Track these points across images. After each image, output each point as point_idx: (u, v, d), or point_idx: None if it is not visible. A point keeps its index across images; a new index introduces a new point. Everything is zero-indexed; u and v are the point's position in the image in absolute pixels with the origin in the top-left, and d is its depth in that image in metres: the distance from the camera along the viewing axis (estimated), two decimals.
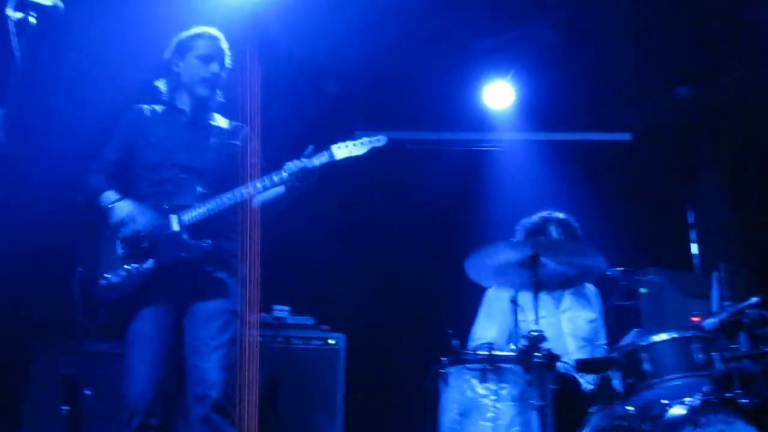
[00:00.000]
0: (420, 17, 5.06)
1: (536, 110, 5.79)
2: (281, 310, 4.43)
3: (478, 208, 5.52)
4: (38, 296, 4.38)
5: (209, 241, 3.16)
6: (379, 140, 3.32)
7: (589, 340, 4.02)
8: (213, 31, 3.48)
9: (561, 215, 4.11)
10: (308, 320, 4.49)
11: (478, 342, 4.00)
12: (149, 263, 3.15)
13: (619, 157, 5.88)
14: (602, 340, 4.07)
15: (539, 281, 3.30)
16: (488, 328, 4.04)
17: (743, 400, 3.08)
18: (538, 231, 4.04)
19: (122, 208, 3.21)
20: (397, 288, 5.68)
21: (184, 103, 3.44)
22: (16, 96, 2.51)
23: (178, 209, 3.19)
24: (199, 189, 3.21)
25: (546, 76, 5.51)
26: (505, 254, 3.31)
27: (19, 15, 2.55)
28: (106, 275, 3.16)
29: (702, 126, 5.74)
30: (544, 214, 4.13)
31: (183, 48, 3.43)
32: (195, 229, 3.17)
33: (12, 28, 2.52)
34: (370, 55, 5.24)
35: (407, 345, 5.16)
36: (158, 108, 3.48)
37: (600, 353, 3.95)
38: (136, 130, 3.40)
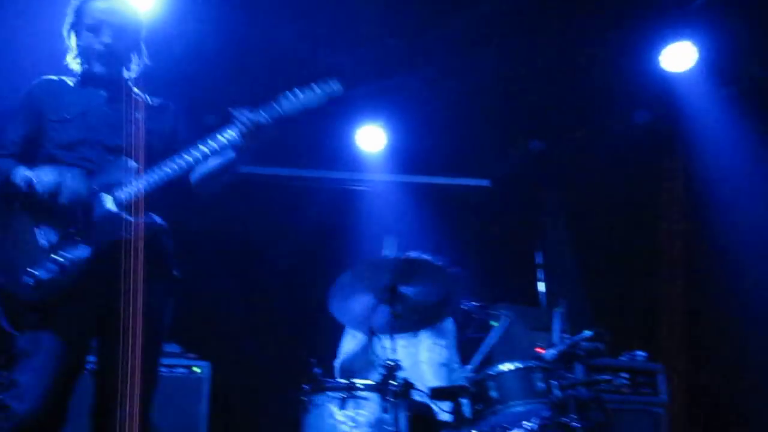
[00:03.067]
0: (299, 57, 5.23)
1: (405, 154, 6.12)
2: None
3: (347, 243, 5.72)
4: None
5: (149, 217, 2.76)
6: (335, 87, 2.93)
7: (446, 364, 4.27)
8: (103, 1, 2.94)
9: (426, 256, 4.33)
10: (174, 348, 4.45)
11: (340, 365, 4.18)
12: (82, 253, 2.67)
13: (478, 201, 6.32)
14: (456, 362, 4.33)
15: (399, 315, 3.48)
16: (352, 353, 4.21)
17: (576, 424, 3.38)
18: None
19: (46, 173, 2.68)
20: (265, 318, 5.74)
21: (93, 78, 2.95)
22: None
23: (113, 187, 2.73)
24: (132, 164, 2.77)
25: (415, 123, 5.86)
26: (365, 287, 3.48)
27: None
28: (31, 271, 2.61)
29: (551, 177, 6.28)
30: (411, 254, 4.33)
31: (74, 21, 2.95)
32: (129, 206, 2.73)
33: None
34: (248, 95, 5.33)
35: (273, 374, 5.21)
36: (70, 81, 2.98)
37: (457, 375, 4.20)
38: (46, 104, 2.89)
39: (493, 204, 6.31)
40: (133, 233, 2.70)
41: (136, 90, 3.02)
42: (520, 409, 3.44)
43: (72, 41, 2.97)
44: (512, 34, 5.16)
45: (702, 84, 5.48)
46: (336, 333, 4.29)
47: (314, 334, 4.72)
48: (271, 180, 6.21)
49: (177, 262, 2.98)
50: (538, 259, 5.67)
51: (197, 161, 2.80)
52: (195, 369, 4.40)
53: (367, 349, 4.09)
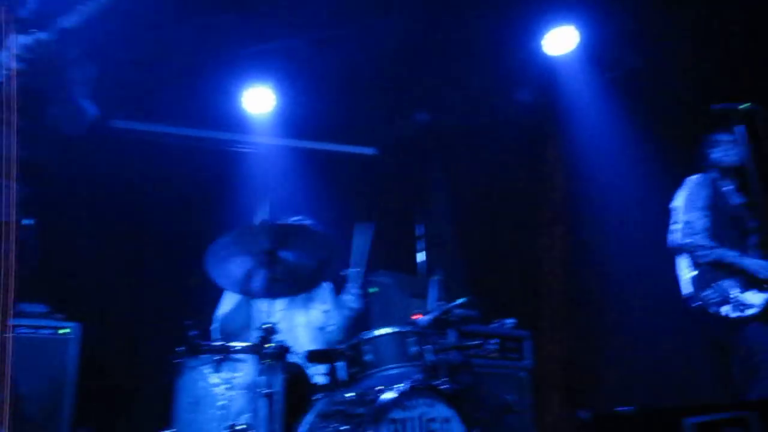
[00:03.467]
0: (189, 15, 5.07)
1: (293, 118, 6.06)
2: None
3: (229, 206, 5.61)
4: None
5: None
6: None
7: (323, 328, 4.33)
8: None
9: (308, 221, 4.35)
10: (40, 308, 4.25)
11: (219, 325, 4.15)
12: None
13: (363, 169, 6.37)
14: (333, 326, 4.40)
15: (278, 279, 3.48)
16: (230, 313, 4.18)
17: (446, 387, 3.52)
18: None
19: None
20: (140, 278, 5.59)
21: None
22: None
23: None
24: None
25: (304, 87, 5.81)
26: (243, 250, 3.44)
27: None
28: None
29: (435, 148, 6.44)
30: (293, 218, 4.35)
31: None
32: None
33: None
34: (133, 45, 5.12)
35: (146, 336, 5.10)
36: None
37: (332, 338, 4.28)
38: None
39: (378, 172, 6.39)
40: None
41: None
42: (393, 372, 3.54)
43: None
44: (404, 4, 5.20)
45: (581, 68, 5.75)
46: (213, 296, 4.23)
47: (190, 296, 4.62)
48: (153, 137, 6.00)
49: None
50: (420, 228, 5.82)
51: None
52: (62, 330, 4.23)
53: (244, 312, 4.08)
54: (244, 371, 3.32)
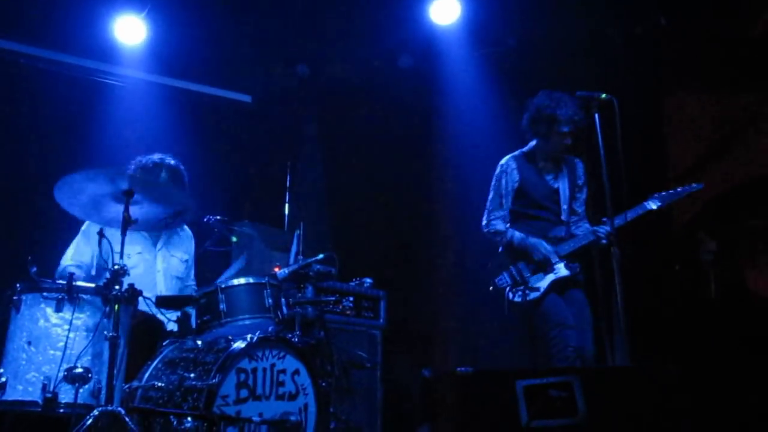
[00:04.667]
0: None
1: (165, 55, 5.78)
2: None
3: (89, 139, 5.32)
4: None
5: None
6: None
7: (182, 279, 4.24)
8: None
9: (172, 161, 4.21)
10: None
11: (68, 264, 3.96)
12: None
13: (236, 116, 6.22)
14: (192, 279, 4.33)
15: (132, 218, 3.33)
16: (83, 254, 4.01)
17: (295, 340, 3.58)
18: (149, 172, 4.09)
19: None
20: None
21: None
22: None
23: None
24: None
25: (181, 23, 5.55)
26: (99, 186, 3.28)
27: None
28: None
29: (311, 102, 6.39)
30: (156, 157, 4.19)
31: None
32: None
33: None
34: None
35: None
36: None
37: (190, 291, 4.18)
38: None
39: (251, 122, 6.25)
40: None
41: None
42: (246, 323, 3.54)
43: None
44: None
45: (462, 40, 5.87)
46: (60, 230, 4.01)
47: (36, 229, 4.36)
48: (12, 57, 5.53)
49: None
50: (288, 181, 5.78)
51: None
52: None
53: (96, 251, 3.91)
54: (88, 313, 3.19)
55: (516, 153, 4.51)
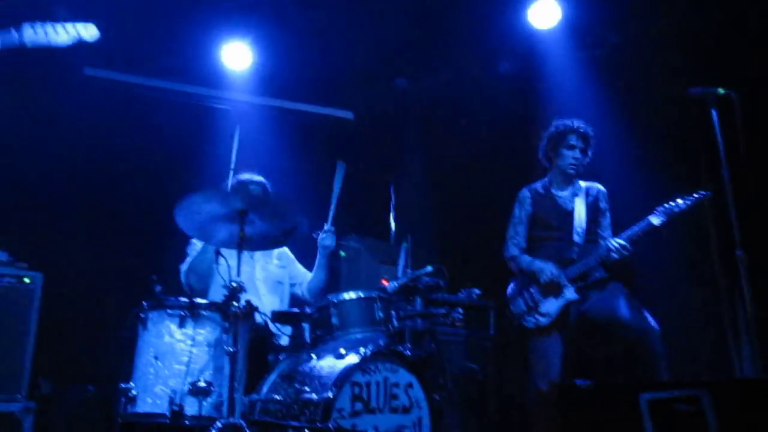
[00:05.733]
0: None
1: (271, 77, 5.97)
2: None
3: (201, 161, 5.55)
4: None
5: None
6: (88, 28, 2.83)
7: (282, 283, 4.40)
8: None
9: (260, 178, 4.36)
10: (2, 256, 4.19)
11: (184, 275, 4.16)
12: None
13: (339, 132, 6.32)
14: (297, 282, 4.47)
15: (246, 238, 3.46)
16: (201, 261, 4.17)
17: (408, 352, 3.56)
18: (240, 190, 4.25)
19: None
20: (107, 230, 5.50)
21: None
22: None
23: None
24: None
25: (284, 46, 5.71)
26: (215, 207, 3.42)
27: None
28: None
29: (412, 115, 6.40)
30: (245, 175, 4.35)
31: None
32: None
33: None
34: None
35: (111, 288, 5.05)
36: None
37: (291, 292, 4.40)
38: None
39: (354, 136, 6.34)
40: None
41: None
42: (359, 336, 3.57)
43: None
44: None
45: (564, 43, 5.72)
46: (181, 250, 4.20)
47: (158, 249, 4.58)
48: (128, 87, 5.88)
49: None
50: (392, 194, 5.81)
51: None
52: (25, 279, 4.18)
53: (208, 265, 4.07)
54: (209, 328, 3.33)
55: (532, 184, 4.54)
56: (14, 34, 2.67)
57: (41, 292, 4.23)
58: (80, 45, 5.24)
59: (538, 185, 4.52)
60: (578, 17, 5.53)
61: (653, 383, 3.16)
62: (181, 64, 5.84)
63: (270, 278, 4.34)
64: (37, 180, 5.21)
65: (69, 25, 2.77)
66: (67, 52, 5.36)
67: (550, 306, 4.14)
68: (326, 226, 4.27)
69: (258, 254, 4.33)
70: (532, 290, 4.23)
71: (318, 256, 4.34)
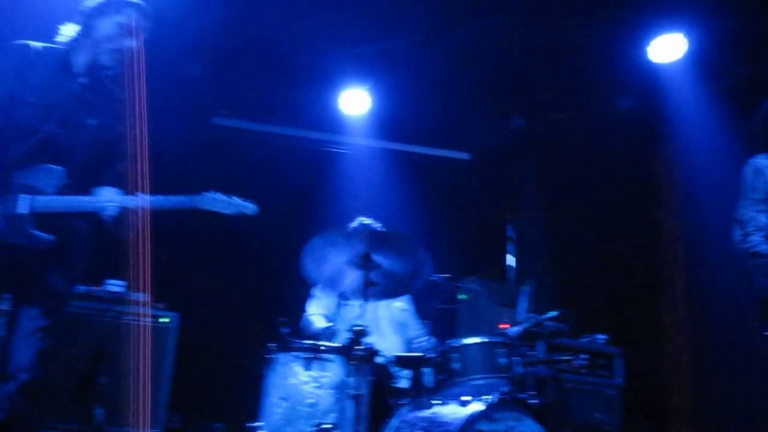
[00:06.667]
0: (291, 16, 5.20)
1: (388, 121, 6.10)
2: (115, 285, 4.35)
3: (323, 205, 5.72)
4: None
5: (52, 237, 2.92)
6: (251, 208, 3.23)
7: (404, 325, 4.44)
8: (147, 6, 3.18)
9: (377, 225, 4.38)
10: (142, 297, 4.44)
11: (312, 313, 4.27)
12: None
13: (455, 173, 6.34)
14: (413, 326, 4.48)
15: (372, 283, 3.50)
16: (325, 306, 4.33)
17: (534, 401, 3.45)
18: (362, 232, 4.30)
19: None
20: (236, 274, 5.74)
21: (80, 62, 3.09)
22: None
23: (34, 192, 2.92)
24: (64, 179, 2.96)
25: (400, 90, 5.83)
26: (339, 252, 3.50)
27: None
28: None
29: (529, 154, 6.32)
30: (366, 220, 4.41)
31: (112, 7, 3.10)
32: (42, 217, 2.92)
33: None
34: (236, 44, 5.28)
35: (240, 330, 5.24)
36: (48, 50, 3.07)
37: (412, 336, 4.39)
38: (22, 72, 3.00)
39: (470, 177, 6.34)
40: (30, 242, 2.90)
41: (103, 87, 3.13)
42: (481, 382, 3.51)
43: (93, 23, 3.08)
44: (501, 9, 5.14)
45: (688, 77, 5.51)
46: (307, 293, 4.31)
47: (284, 292, 4.73)
48: (252, 135, 6.17)
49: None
50: (510, 234, 5.73)
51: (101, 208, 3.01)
52: (162, 319, 4.40)
53: (334, 309, 4.16)
54: (333, 371, 3.38)
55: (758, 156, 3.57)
56: (196, 199, 3.11)
57: (177, 332, 4.43)
58: (210, 98, 5.58)
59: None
60: (702, 49, 5.33)
61: None
62: (302, 111, 6.08)
63: (394, 319, 4.41)
64: (170, 226, 5.49)
65: (238, 200, 3.18)
66: (197, 102, 5.77)
67: None
68: (422, 331, 4.25)
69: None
70: None
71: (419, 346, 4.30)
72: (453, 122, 6.16)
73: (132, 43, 3.10)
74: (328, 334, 4.10)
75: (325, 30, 5.35)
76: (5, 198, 2.88)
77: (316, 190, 5.95)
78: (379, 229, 4.33)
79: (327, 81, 5.78)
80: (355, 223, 4.37)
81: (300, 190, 5.96)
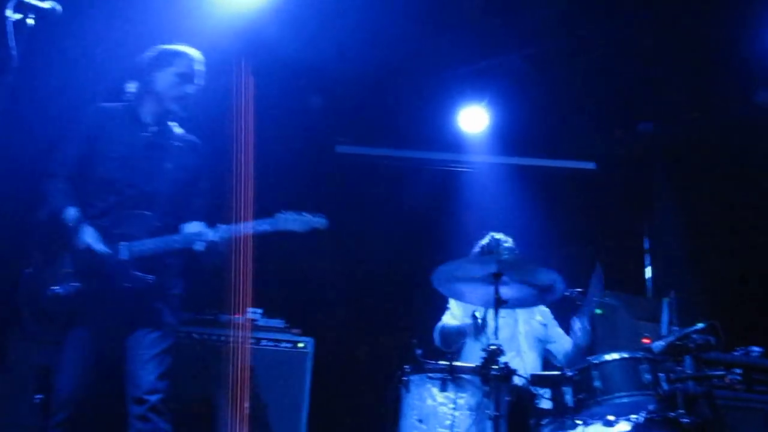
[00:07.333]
0: (404, 39, 5.27)
1: (508, 136, 6.03)
2: (254, 313, 4.56)
3: (448, 224, 5.71)
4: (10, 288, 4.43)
5: (153, 277, 3.26)
6: (321, 222, 3.42)
7: (542, 341, 4.33)
8: (196, 52, 3.54)
9: (509, 240, 4.34)
10: (279, 323, 4.61)
11: (446, 323, 4.26)
12: (94, 285, 3.23)
13: (582, 184, 6.15)
14: (554, 341, 4.37)
15: (503, 299, 3.48)
16: (458, 317, 4.29)
17: (685, 420, 3.25)
18: (489, 250, 4.27)
19: (87, 232, 3.25)
20: (367, 297, 5.84)
21: (147, 113, 3.46)
22: (9, 94, 2.59)
23: (129, 239, 3.26)
24: (153, 222, 3.31)
25: (518, 104, 5.76)
26: (469, 270, 3.50)
27: (18, 16, 2.67)
28: (53, 287, 3.22)
29: (661, 159, 6.02)
30: (497, 235, 4.37)
31: (164, 60, 3.47)
32: (141, 261, 3.26)
33: (10, 28, 2.62)
34: (354, 73, 5.42)
35: (373, 352, 5.31)
36: (118, 108, 3.48)
37: (549, 355, 4.31)
38: (98, 132, 3.40)
39: (598, 187, 6.13)
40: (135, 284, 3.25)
41: (175, 130, 3.52)
42: (625, 400, 3.35)
43: (153, 76, 3.44)
44: (619, 12, 4.96)
45: None
46: (439, 314, 4.31)
47: (417, 314, 4.76)
48: (375, 160, 6.29)
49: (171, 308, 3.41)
50: (646, 245, 5.47)
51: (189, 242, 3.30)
52: (299, 344, 4.54)
53: (468, 328, 4.13)
54: (470, 392, 3.34)
55: None
56: (272, 221, 3.33)
57: (313, 356, 4.56)
58: (332, 127, 5.74)
59: None
60: None
61: None
62: (422, 132, 6.13)
63: (531, 334, 4.31)
64: (303, 253, 5.70)
65: (308, 216, 3.38)
66: (320, 132, 5.95)
67: None
68: (580, 324, 4.12)
69: (521, 311, 4.33)
70: None
71: (572, 342, 4.23)
72: (576, 132, 5.99)
73: (192, 88, 3.45)
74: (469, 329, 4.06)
75: (442, 48, 5.38)
76: (108, 247, 3.23)
77: (441, 210, 5.97)
78: (509, 246, 4.29)
79: (446, 99, 5.80)
80: (485, 240, 4.34)
81: (426, 210, 6.00)
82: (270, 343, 4.51)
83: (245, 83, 3.69)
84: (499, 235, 4.38)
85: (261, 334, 4.52)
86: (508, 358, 3.63)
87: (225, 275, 4.02)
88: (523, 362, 4.07)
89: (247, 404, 4.19)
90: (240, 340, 4.45)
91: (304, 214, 3.37)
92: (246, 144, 3.66)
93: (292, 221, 3.34)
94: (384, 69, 5.50)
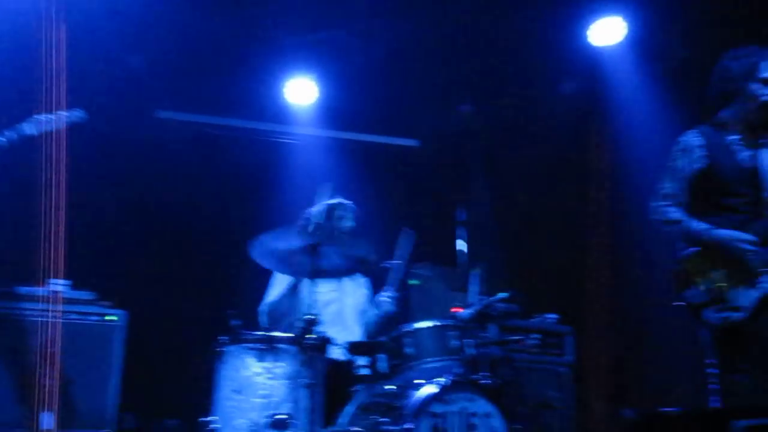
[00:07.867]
0: (231, 5, 5.13)
1: (336, 110, 6.08)
2: (60, 284, 4.25)
3: (270, 196, 5.68)
4: None
5: None
6: (79, 115, 3.38)
7: (365, 311, 4.44)
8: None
9: (349, 202, 4.40)
10: (87, 295, 4.35)
11: (270, 300, 4.25)
12: None
13: (404, 160, 6.37)
14: (371, 308, 4.48)
15: (319, 269, 3.53)
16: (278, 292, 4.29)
17: (486, 381, 3.51)
18: (327, 215, 4.29)
19: None
20: (186, 268, 5.66)
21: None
22: None
23: None
24: None
25: (348, 80, 5.81)
26: (287, 241, 3.50)
27: None
28: None
29: (478, 140, 6.38)
30: (334, 200, 4.40)
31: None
32: None
33: None
34: (178, 35, 5.20)
35: (190, 325, 5.17)
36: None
37: (368, 327, 4.39)
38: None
39: (420, 164, 6.37)
40: None
41: None
42: (434, 365, 3.54)
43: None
44: None
45: (628, 60, 5.62)
46: (256, 285, 4.28)
47: (234, 285, 4.69)
48: (197, 128, 6.08)
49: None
50: (460, 219, 5.79)
51: None
52: (109, 317, 4.32)
53: (291, 298, 4.14)
54: (286, 361, 3.36)
55: (702, 126, 3.39)
56: (26, 126, 3.28)
57: (125, 330, 4.35)
58: (153, 92, 5.48)
59: (708, 130, 3.35)
60: (642, 32, 5.44)
61: (746, 409, 2.95)
62: (248, 102, 6.01)
63: (358, 308, 4.40)
64: (116, 221, 5.41)
65: (63, 113, 3.35)
66: (140, 96, 5.65)
67: (743, 296, 3.09)
68: (388, 291, 4.29)
69: (349, 284, 4.38)
70: (716, 274, 3.16)
71: (377, 315, 4.37)
72: (400, 109, 6.17)
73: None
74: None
75: (270, 18, 5.30)
76: None
77: (264, 181, 5.90)
78: (348, 207, 4.32)
79: (272, 70, 5.73)
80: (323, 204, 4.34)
81: (248, 180, 5.91)
82: (77, 317, 4.24)
83: (56, 30, 3.36)
84: (337, 200, 4.36)
85: (66, 307, 4.23)
86: (335, 333, 3.72)
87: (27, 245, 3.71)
88: (351, 336, 4.12)
89: (53, 381, 3.93)
90: (44, 313, 4.15)
91: (59, 112, 3.32)
92: (57, 99, 3.37)
93: (47, 122, 3.30)
94: (210, 33, 5.32)
